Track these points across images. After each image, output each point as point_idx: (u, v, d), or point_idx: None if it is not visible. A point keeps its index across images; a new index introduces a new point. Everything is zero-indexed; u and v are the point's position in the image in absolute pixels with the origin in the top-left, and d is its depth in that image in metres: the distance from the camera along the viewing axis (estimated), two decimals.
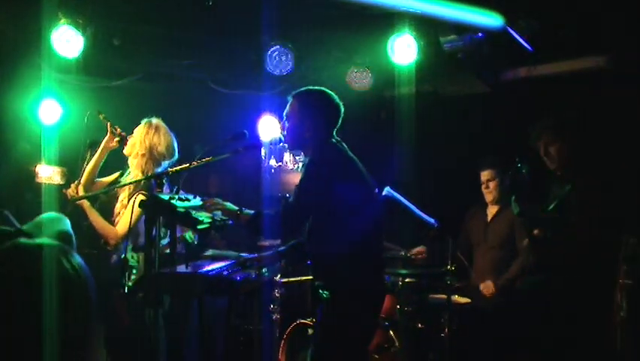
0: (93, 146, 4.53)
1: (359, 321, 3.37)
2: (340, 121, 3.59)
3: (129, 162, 4.39)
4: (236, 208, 3.51)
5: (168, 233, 4.31)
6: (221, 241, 6.16)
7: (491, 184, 5.44)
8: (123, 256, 3.87)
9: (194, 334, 4.29)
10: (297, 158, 6.23)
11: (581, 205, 3.98)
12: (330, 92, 3.61)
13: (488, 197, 5.48)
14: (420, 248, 5.33)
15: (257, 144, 3.96)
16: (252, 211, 3.51)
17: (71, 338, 1.34)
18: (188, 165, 3.78)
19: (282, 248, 3.45)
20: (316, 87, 3.66)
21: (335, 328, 3.33)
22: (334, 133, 3.59)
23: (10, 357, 1.27)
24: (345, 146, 3.56)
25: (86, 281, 1.39)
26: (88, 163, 4.45)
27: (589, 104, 5.11)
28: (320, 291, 3.39)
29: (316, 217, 3.39)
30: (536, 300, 4.42)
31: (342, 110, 3.59)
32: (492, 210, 5.51)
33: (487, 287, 5.27)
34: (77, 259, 1.40)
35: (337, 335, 3.31)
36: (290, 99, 3.59)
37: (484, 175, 5.47)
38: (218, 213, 3.64)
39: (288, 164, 6.32)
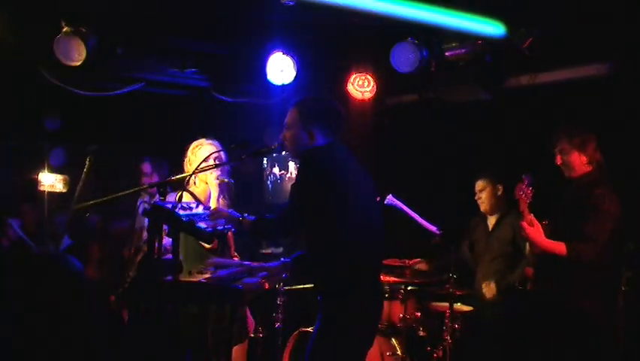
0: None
1: (355, 330, 3.33)
2: (342, 129, 3.57)
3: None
4: (238, 215, 3.54)
5: None
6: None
7: (483, 195, 5.41)
8: None
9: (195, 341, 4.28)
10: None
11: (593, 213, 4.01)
12: (331, 100, 3.59)
13: (481, 207, 5.45)
14: (419, 260, 5.35)
15: (260, 151, 3.92)
16: (254, 217, 3.53)
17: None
18: (190, 173, 3.78)
19: (288, 259, 3.42)
20: (317, 95, 3.64)
21: (331, 337, 3.30)
22: (336, 140, 3.56)
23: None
24: (347, 151, 3.51)
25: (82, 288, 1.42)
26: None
27: (591, 111, 5.11)
28: (318, 298, 3.37)
29: (312, 224, 3.35)
30: (540, 307, 4.42)
31: (344, 117, 3.57)
32: (492, 221, 5.48)
33: (489, 289, 5.25)
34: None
35: (333, 344, 3.28)
36: (290, 108, 3.57)
37: (477, 186, 5.46)
38: (221, 221, 3.65)
39: (288, 173, 6.33)
